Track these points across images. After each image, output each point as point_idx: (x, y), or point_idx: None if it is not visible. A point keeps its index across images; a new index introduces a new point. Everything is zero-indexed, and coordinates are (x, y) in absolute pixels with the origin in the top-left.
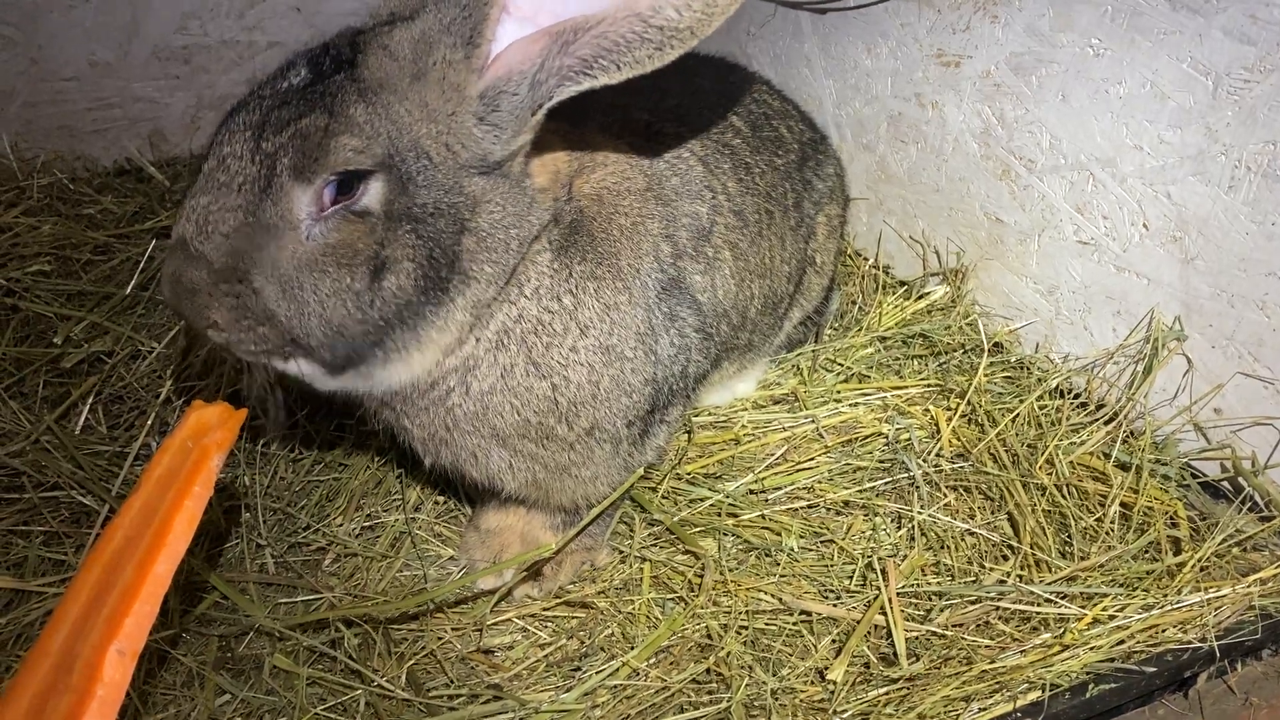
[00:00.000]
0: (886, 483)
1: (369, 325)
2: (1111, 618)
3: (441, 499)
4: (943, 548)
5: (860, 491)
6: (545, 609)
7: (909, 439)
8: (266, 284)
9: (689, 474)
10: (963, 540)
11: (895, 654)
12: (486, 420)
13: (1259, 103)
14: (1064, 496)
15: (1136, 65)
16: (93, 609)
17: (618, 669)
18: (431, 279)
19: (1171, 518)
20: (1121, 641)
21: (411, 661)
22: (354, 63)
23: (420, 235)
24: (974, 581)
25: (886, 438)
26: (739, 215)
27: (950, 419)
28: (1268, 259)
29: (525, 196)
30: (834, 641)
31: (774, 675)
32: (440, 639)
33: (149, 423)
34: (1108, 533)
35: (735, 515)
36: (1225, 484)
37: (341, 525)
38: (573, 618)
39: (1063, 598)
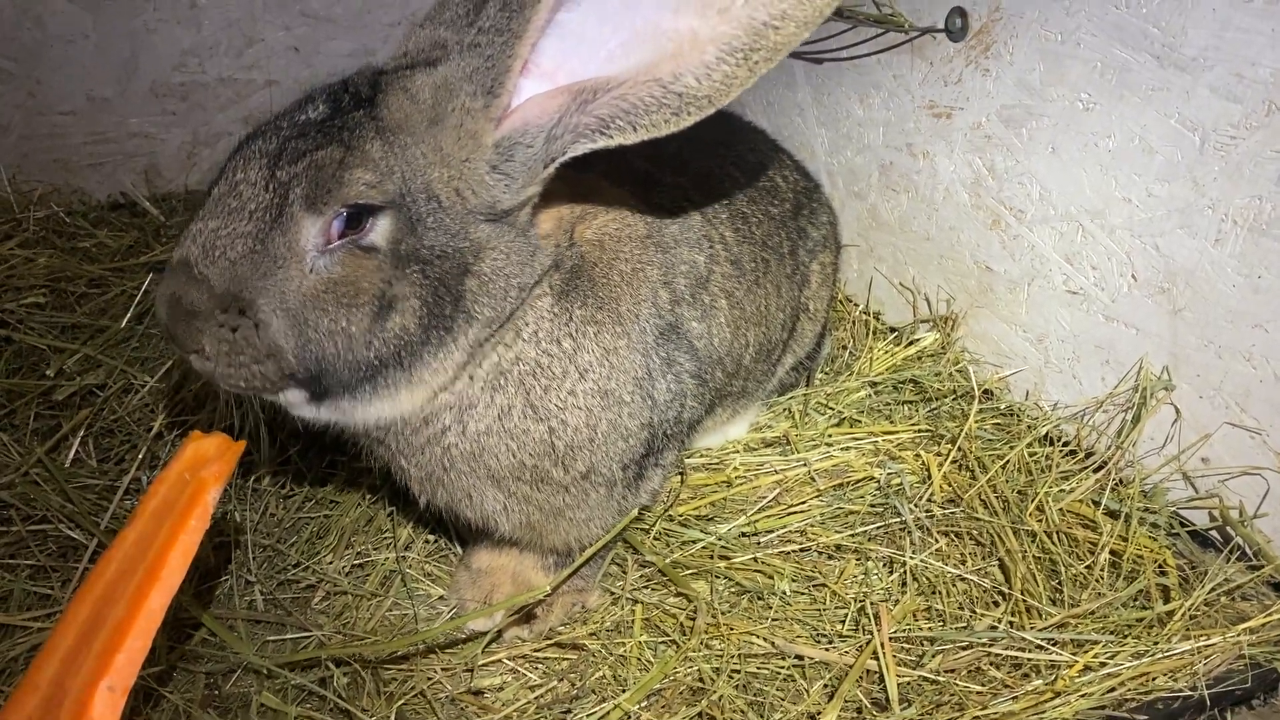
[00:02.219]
0: (878, 527)
1: (365, 362)
2: (1103, 665)
3: (432, 537)
4: (934, 593)
5: (852, 535)
6: (536, 650)
7: (900, 484)
8: (274, 317)
9: (681, 516)
10: (954, 586)
11: (888, 699)
12: (482, 461)
13: (1245, 159)
14: (1054, 543)
15: (1125, 120)
16: (83, 643)
17: (609, 712)
18: (436, 317)
19: (1160, 566)
20: (1113, 689)
21: (401, 702)
22: (373, 101)
23: (427, 275)
24: (966, 627)
25: (878, 482)
26: (735, 264)
27: (941, 465)
28: (1254, 311)
29: (529, 245)
30: (826, 686)
31: None
32: (430, 679)
33: (140, 457)
34: (1098, 580)
35: (727, 558)
36: (1214, 533)
37: (332, 563)
38: (564, 659)
39: (1054, 644)
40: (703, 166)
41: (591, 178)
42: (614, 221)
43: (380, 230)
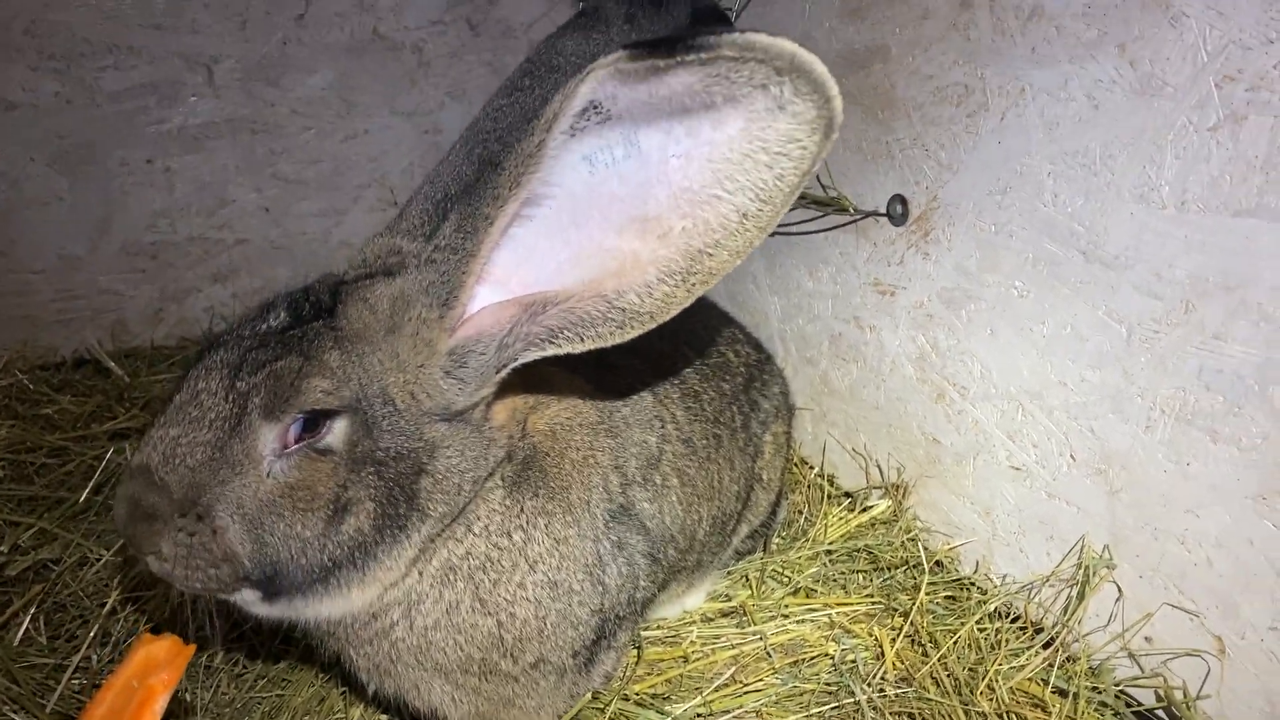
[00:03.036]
0: (832, 708)
1: (319, 564)
2: None
3: (384, 717)
4: None
5: (807, 717)
6: None
7: (854, 661)
8: (231, 522)
9: (637, 694)
10: None
11: None
12: (429, 655)
13: (1168, 352)
14: None
15: (1057, 308)
16: None
17: None
18: (390, 518)
19: None
20: None
21: None
22: (333, 311)
23: (382, 476)
24: None
25: (833, 659)
26: (687, 443)
27: (894, 641)
28: (1184, 497)
29: (483, 440)
30: None
31: None
32: None
33: (92, 634)
34: None
35: None
36: (1160, 712)
37: None
38: None
39: None
40: (656, 347)
41: (544, 365)
42: (566, 410)
43: (337, 433)
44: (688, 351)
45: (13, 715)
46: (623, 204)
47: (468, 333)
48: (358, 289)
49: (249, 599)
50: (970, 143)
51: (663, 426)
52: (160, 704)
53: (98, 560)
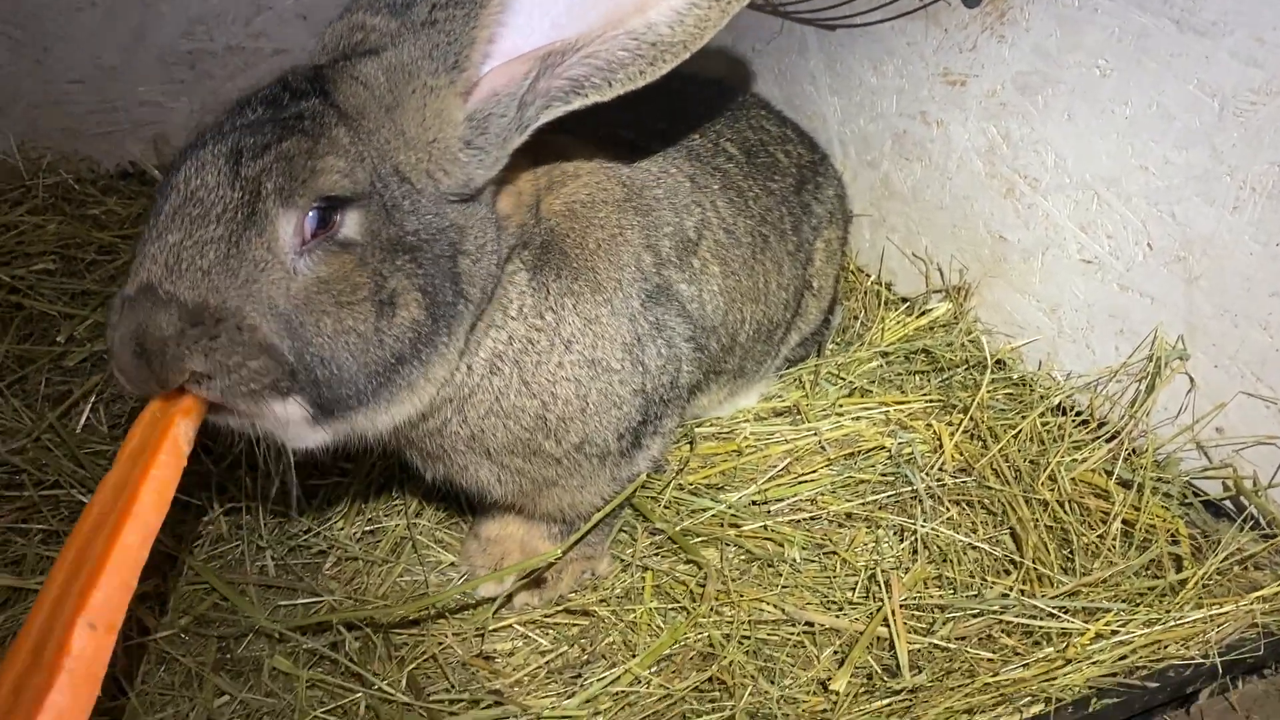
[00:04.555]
0: (889, 496)
1: (382, 360)
2: (1114, 633)
3: (442, 505)
4: (945, 561)
5: (863, 504)
6: (546, 616)
7: (911, 453)
8: (265, 320)
9: (691, 484)
10: (965, 554)
11: (898, 666)
12: (481, 442)
13: (1265, 124)
14: (1066, 513)
15: (1143, 86)
16: (67, 587)
17: (620, 676)
18: (442, 304)
19: (1173, 535)
20: (1124, 657)
21: (412, 665)
22: (325, 93)
23: (419, 263)
24: (976, 595)
25: (889, 451)
26: (730, 233)
27: (953, 434)
28: (1271, 279)
29: (495, 218)
30: (836, 653)
31: (776, 685)
32: (441, 644)
33: None
34: (1110, 549)
35: (737, 526)
36: (1227, 502)
37: (343, 529)
38: (574, 625)
39: (1065, 612)
40: (694, 140)
41: (560, 142)
42: (585, 188)
43: (351, 224)
44: (730, 148)
45: (81, 497)
46: None
47: (481, 96)
48: (345, 69)
49: (296, 421)
50: None
51: (702, 212)
52: (183, 429)
53: None
